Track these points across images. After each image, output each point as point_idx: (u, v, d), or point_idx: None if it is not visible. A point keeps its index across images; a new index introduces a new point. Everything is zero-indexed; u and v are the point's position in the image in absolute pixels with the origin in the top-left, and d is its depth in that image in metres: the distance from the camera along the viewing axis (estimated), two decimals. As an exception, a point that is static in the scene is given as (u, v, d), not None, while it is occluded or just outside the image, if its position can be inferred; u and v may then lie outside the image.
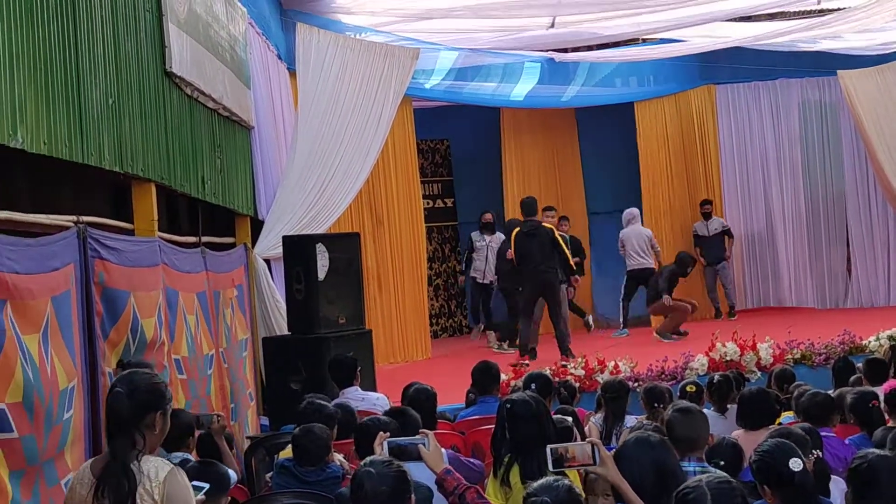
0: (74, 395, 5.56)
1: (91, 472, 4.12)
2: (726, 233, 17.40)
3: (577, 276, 14.66)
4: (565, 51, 16.71)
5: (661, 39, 16.88)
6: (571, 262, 14.02)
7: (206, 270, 8.85)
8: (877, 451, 4.23)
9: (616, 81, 17.80)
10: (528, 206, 14.03)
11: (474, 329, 16.40)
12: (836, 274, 18.22)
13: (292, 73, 12.57)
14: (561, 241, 13.80)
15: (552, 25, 15.16)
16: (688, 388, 8.27)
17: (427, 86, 15.62)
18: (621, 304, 16.44)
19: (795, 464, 4.47)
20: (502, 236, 15.42)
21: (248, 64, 10.77)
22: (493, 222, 16.28)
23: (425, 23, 14.55)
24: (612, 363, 11.51)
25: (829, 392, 8.09)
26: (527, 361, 12.59)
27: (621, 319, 16.44)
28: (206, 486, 4.64)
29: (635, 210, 16.70)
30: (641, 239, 16.25)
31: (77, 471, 4.31)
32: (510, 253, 14.17)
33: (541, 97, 16.87)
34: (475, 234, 16.14)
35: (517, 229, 13.87)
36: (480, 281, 16.02)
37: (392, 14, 14.15)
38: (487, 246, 15.92)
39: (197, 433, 6.57)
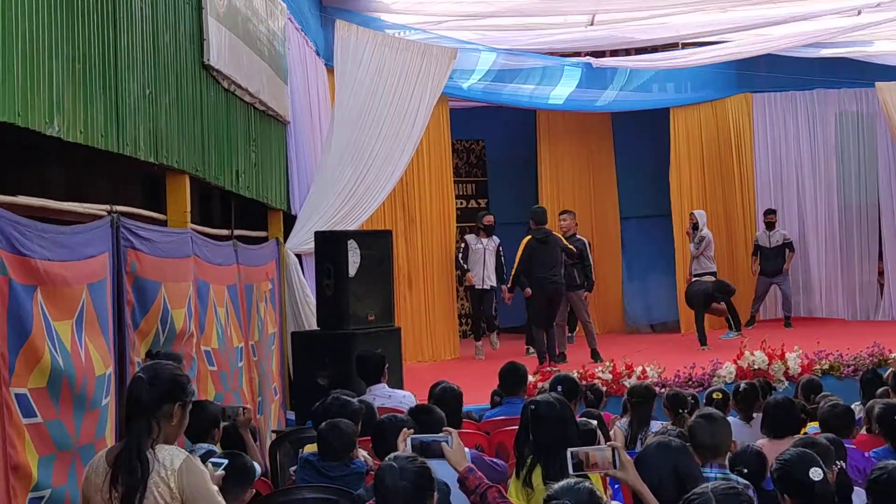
0: (111, 383, 5.62)
1: (105, 462, 4.15)
2: (787, 245, 17.07)
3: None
4: (603, 54, 16.66)
5: (700, 43, 16.77)
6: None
7: (237, 263, 8.90)
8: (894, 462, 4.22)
9: (653, 87, 17.76)
10: (540, 214, 14.07)
11: (477, 347, 15.22)
12: (868, 286, 18.11)
13: (330, 69, 12.62)
14: (572, 248, 14.04)
15: (591, 23, 15.12)
16: (714, 395, 8.27)
17: (465, 86, 15.63)
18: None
19: (816, 473, 4.46)
20: (498, 240, 15.36)
21: (285, 59, 10.82)
22: (494, 225, 15.78)
23: (464, 21, 14.56)
24: (640, 368, 11.50)
25: (856, 404, 8.08)
26: (549, 368, 12.56)
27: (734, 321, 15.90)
28: (225, 461, 4.67)
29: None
30: None
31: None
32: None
33: (579, 101, 16.85)
34: (471, 237, 15.53)
35: (529, 237, 13.80)
36: (479, 287, 15.35)
37: (431, 13, 14.18)
38: (485, 249, 15.37)
39: (222, 425, 6.60)
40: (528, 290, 13.69)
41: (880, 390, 8.90)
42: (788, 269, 17.09)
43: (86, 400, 5.25)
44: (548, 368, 12.16)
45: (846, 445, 6.49)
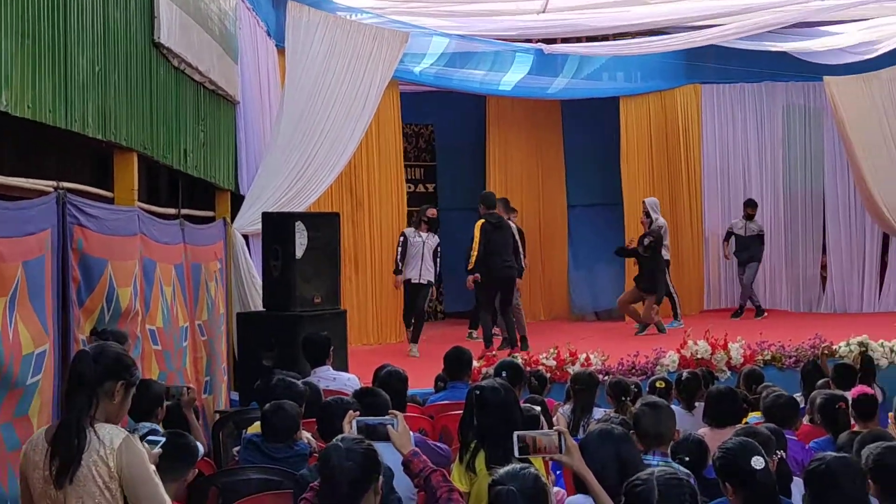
0: (45, 361, 5.57)
1: (45, 438, 4.14)
2: (760, 237, 17.19)
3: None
4: (554, 42, 16.67)
5: (651, 32, 16.80)
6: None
7: (184, 243, 8.86)
8: (834, 453, 4.28)
9: (603, 76, 17.81)
10: (490, 198, 13.99)
11: (413, 347, 14.10)
12: (812, 279, 18.33)
13: (281, 50, 12.57)
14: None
15: (544, 10, 15.11)
16: (657, 384, 8.35)
17: (416, 70, 15.60)
18: (674, 294, 16.11)
19: (757, 462, 4.52)
20: (438, 239, 14.60)
21: (236, 39, 10.76)
22: (437, 220, 15.14)
23: (417, 5, 14.52)
24: (584, 355, 11.56)
25: (797, 395, 8.18)
26: (494, 353, 12.60)
27: (678, 311, 16.05)
28: (162, 439, 4.66)
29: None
30: None
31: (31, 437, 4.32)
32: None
33: (529, 88, 16.86)
34: (409, 231, 14.47)
35: (482, 221, 13.74)
36: (416, 281, 14.36)
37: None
38: (424, 243, 14.36)
39: (166, 405, 6.59)
40: (478, 275, 13.67)
41: (820, 382, 9.02)
42: (760, 260, 17.15)
43: (10, 378, 5.20)
44: (514, 355, 12.03)
45: (787, 436, 6.57)
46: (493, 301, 13.75)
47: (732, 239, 17.09)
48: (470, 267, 13.72)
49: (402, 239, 14.39)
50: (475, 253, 13.58)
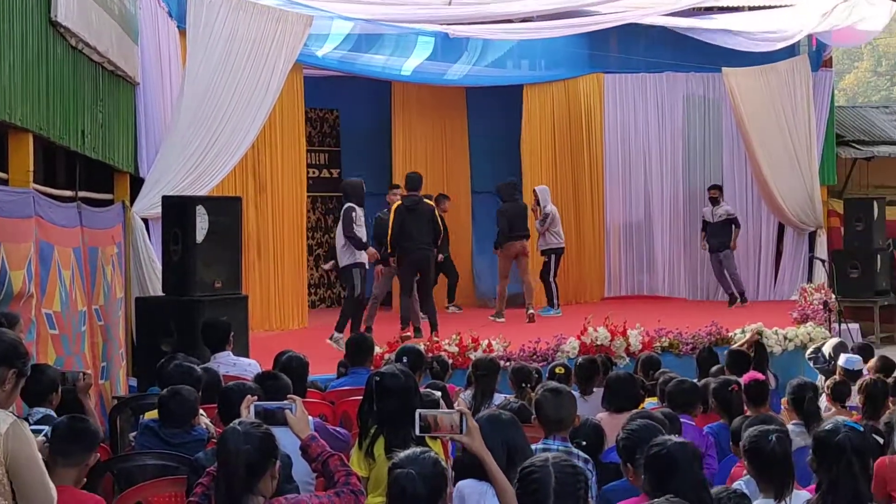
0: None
1: None
2: (732, 221, 17.16)
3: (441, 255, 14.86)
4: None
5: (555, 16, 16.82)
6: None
7: (81, 226, 8.73)
8: (675, 438, 4.34)
9: (507, 63, 17.88)
10: (412, 180, 13.91)
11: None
12: (709, 266, 18.59)
13: (182, 31, 12.39)
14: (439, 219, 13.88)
15: (450, 3, 15.12)
16: (556, 370, 8.43)
17: (319, 54, 15.49)
18: (553, 283, 16.32)
19: None
20: None
21: (137, 19, 10.61)
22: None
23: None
24: (486, 342, 11.62)
25: (695, 381, 8.31)
26: (409, 334, 12.61)
27: (556, 299, 16.27)
28: (46, 428, 4.62)
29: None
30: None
31: None
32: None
33: (429, 74, 16.86)
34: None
35: (398, 203, 13.75)
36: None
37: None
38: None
39: (61, 389, 6.48)
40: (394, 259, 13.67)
41: (714, 368, 9.18)
42: (735, 246, 17.19)
43: None
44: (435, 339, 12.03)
45: (684, 421, 6.68)
46: (412, 284, 13.74)
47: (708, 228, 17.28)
48: (390, 250, 13.73)
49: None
50: (388, 236, 13.62)
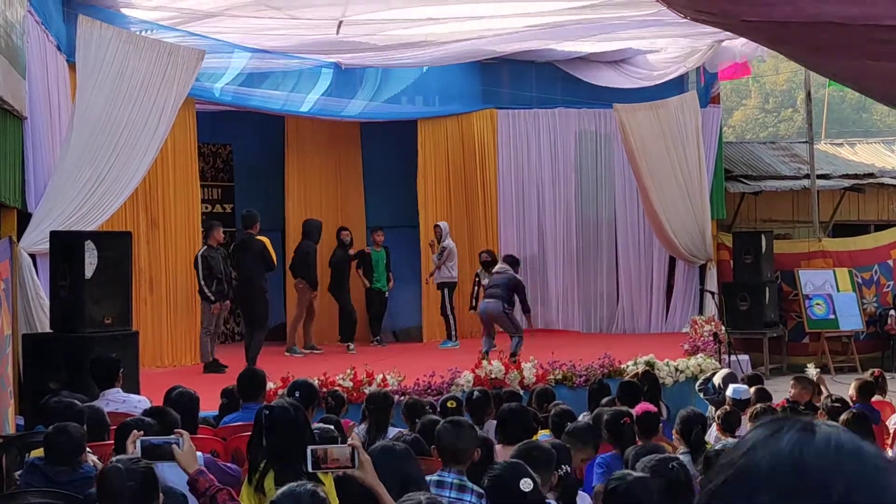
0: None
1: None
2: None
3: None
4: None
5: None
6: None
7: (-34, 262, 8.55)
8: (633, 472, 4.40)
9: (402, 99, 17.98)
10: (244, 218, 14.59)
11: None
12: (603, 300, 18.83)
13: (72, 65, 12.24)
14: (271, 254, 14.16)
15: (337, 32, 15.07)
16: (448, 404, 8.43)
17: (216, 87, 15.43)
18: (451, 316, 16.46)
19: (525, 484, 4.61)
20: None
21: (24, 52, 10.45)
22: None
23: (213, 21, 14.30)
24: (381, 376, 11.61)
25: (584, 414, 8.41)
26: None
27: (454, 332, 16.55)
28: None
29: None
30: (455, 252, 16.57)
31: None
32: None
33: (327, 109, 16.89)
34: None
35: (235, 242, 14.32)
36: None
37: (180, 8, 13.83)
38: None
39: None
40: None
41: (605, 399, 9.28)
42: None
43: None
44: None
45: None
46: (257, 320, 14.11)
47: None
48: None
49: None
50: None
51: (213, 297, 14.16)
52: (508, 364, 12.31)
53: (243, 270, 14.17)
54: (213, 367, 13.89)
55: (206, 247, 14.27)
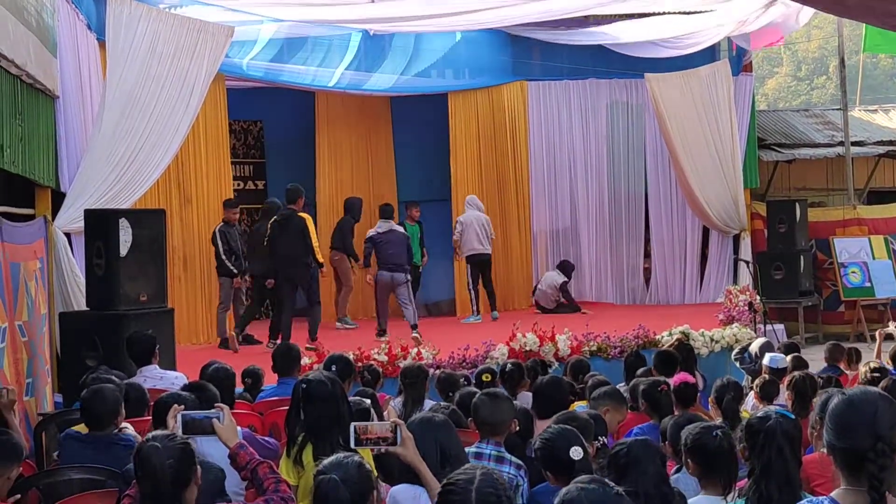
0: None
1: None
2: None
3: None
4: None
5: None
6: (317, 253, 13.78)
7: (2, 241, 8.58)
8: (637, 438, 4.39)
9: (432, 72, 17.92)
10: (288, 192, 14.03)
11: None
12: (636, 271, 18.77)
13: (102, 43, 12.26)
14: (312, 232, 13.66)
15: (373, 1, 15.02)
16: (483, 377, 8.45)
17: (244, 62, 15.41)
18: (472, 290, 16.47)
19: (576, 452, 4.60)
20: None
21: (55, 31, 10.48)
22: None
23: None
24: (416, 350, 11.61)
25: (620, 385, 8.37)
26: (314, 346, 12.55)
27: (476, 306, 16.53)
28: None
29: (475, 196, 16.88)
30: (481, 225, 16.42)
31: None
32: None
33: (356, 83, 16.85)
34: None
35: (274, 217, 13.85)
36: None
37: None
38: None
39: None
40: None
41: (641, 370, 9.24)
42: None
43: None
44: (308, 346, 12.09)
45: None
46: (293, 298, 13.80)
47: None
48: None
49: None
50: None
51: (234, 270, 14.05)
52: (543, 336, 12.27)
53: (283, 247, 13.54)
54: (228, 343, 13.74)
55: (223, 223, 14.21)
